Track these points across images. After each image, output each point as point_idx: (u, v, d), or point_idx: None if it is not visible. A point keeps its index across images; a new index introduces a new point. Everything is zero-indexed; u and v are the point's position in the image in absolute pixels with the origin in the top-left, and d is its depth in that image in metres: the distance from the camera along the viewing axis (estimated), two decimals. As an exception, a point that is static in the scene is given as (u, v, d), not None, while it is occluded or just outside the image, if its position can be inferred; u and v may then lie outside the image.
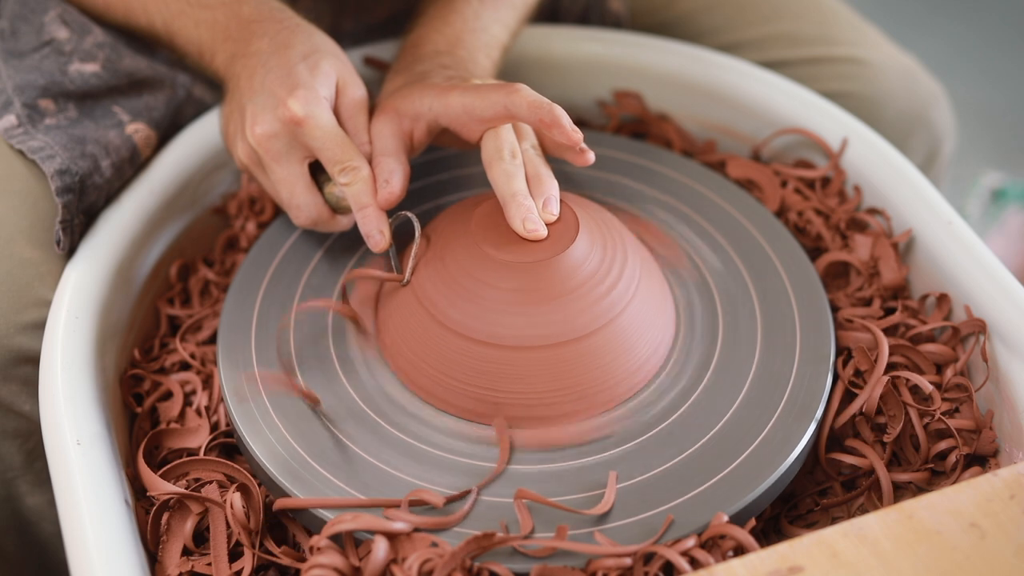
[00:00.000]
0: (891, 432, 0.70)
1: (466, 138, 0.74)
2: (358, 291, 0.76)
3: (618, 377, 0.70)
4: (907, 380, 0.71)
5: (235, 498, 0.66)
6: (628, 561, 0.61)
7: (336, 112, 0.74)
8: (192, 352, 0.78)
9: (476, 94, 0.72)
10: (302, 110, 0.71)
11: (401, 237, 0.75)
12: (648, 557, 0.62)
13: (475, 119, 0.72)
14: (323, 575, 0.60)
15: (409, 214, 0.73)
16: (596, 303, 0.69)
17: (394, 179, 0.73)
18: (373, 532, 0.62)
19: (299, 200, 0.74)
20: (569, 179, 0.82)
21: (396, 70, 0.80)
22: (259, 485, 0.68)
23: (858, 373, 0.72)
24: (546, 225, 0.70)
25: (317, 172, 0.75)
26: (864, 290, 0.79)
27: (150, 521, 0.68)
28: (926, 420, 0.71)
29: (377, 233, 0.73)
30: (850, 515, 0.71)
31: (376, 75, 0.90)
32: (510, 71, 0.91)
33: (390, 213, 0.74)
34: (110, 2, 0.83)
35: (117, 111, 0.83)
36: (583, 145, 0.71)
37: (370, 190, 0.73)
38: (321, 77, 0.73)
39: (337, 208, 0.76)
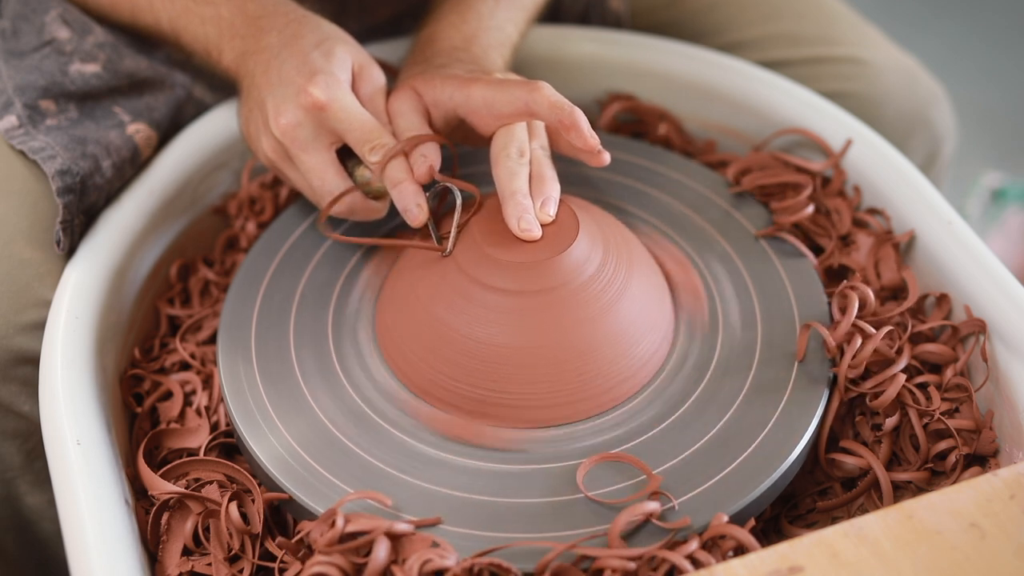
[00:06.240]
0: (886, 426, 0.70)
1: (480, 132, 0.74)
2: (360, 286, 0.76)
3: (617, 378, 0.69)
4: (910, 391, 0.71)
5: (232, 507, 0.66)
6: (632, 565, 0.61)
7: (356, 96, 0.74)
8: (192, 352, 0.78)
9: (498, 88, 0.72)
10: (324, 94, 0.71)
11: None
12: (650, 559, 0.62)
13: (493, 114, 0.72)
14: (324, 571, 0.60)
15: (449, 184, 0.72)
16: (594, 304, 0.69)
17: (430, 152, 0.72)
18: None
19: (331, 186, 0.73)
20: (569, 179, 0.82)
21: (413, 62, 0.80)
22: (259, 485, 0.68)
23: (865, 374, 0.72)
24: (545, 226, 0.70)
25: (345, 160, 0.75)
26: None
27: (150, 521, 0.68)
28: (925, 420, 0.71)
29: (415, 207, 0.71)
30: (850, 515, 0.71)
31: (377, 75, 0.90)
32: (513, 71, 0.90)
33: (426, 188, 0.73)
34: (116, 0, 0.83)
35: (118, 111, 0.83)
36: (600, 147, 0.71)
37: (403, 165, 0.72)
38: (337, 62, 0.73)
39: (368, 193, 0.75)
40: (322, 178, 0.73)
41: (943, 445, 0.70)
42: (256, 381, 0.72)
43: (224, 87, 0.88)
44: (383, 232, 0.80)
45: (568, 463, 0.67)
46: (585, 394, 0.69)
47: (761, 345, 0.73)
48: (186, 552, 0.68)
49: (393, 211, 0.77)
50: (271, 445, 0.68)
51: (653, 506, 0.63)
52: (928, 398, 0.72)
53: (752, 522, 0.65)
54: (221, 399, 0.74)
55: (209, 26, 0.78)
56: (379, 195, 0.75)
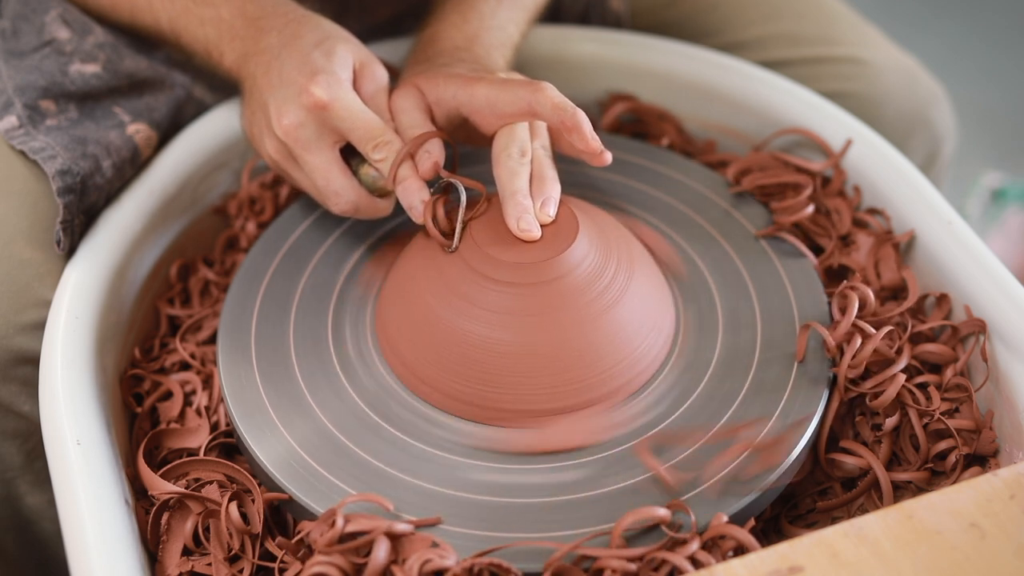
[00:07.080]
0: (886, 426, 0.70)
1: (482, 131, 0.74)
2: (359, 285, 0.76)
3: (617, 378, 0.69)
4: (910, 391, 0.71)
5: (232, 507, 0.66)
6: (633, 566, 0.61)
7: (358, 94, 0.74)
8: (192, 352, 0.78)
9: (501, 88, 0.72)
10: (325, 94, 0.71)
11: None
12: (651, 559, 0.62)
13: (496, 113, 0.72)
14: (324, 571, 0.60)
15: (454, 180, 0.72)
16: (594, 304, 0.69)
17: (434, 149, 0.72)
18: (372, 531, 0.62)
19: (336, 185, 0.73)
20: (569, 180, 0.82)
21: (415, 62, 0.80)
22: (259, 485, 0.68)
23: (865, 374, 0.72)
24: (545, 226, 0.70)
25: (348, 158, 0.75)
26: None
27: (150, 521, 0.68)
28: (925, 420, 0.71)
29: (420, 203, 0.72)
30: (850, 515, 0.71)
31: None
32: (514, 71, 0.90)
33: (430, 184, 0.73)
34: (116, 1, 0.83)
35: (118, 111, 0.83)
36: (601, 148, 0.71)
37: (407, 162, 0.72)
38: (338, 60, 0.73)
39: (373, 190, 0.75)
40: (326, 177, 0.73)
41: (943, 445, 0.70)
42: (256, 381, 0.72)
43: (224, 87, 0.88)
44: (386, 230, 0.80)
45: (565, 463, 0.67)
46: (583, 395, 0.69)
47: (761, 345, 0.73)
48: (186, 552, 0.68)
49: (397, 209, 0.77)
50: (271, 445, 0.68)
51: (663, 512, 0.62)
52: (928, 398, 0.72)
53: (752, 522, 0.65)
54: (221, 399, 0.74)
55: (209, 27, 0.78)
56: (384, 192, 0.75)
